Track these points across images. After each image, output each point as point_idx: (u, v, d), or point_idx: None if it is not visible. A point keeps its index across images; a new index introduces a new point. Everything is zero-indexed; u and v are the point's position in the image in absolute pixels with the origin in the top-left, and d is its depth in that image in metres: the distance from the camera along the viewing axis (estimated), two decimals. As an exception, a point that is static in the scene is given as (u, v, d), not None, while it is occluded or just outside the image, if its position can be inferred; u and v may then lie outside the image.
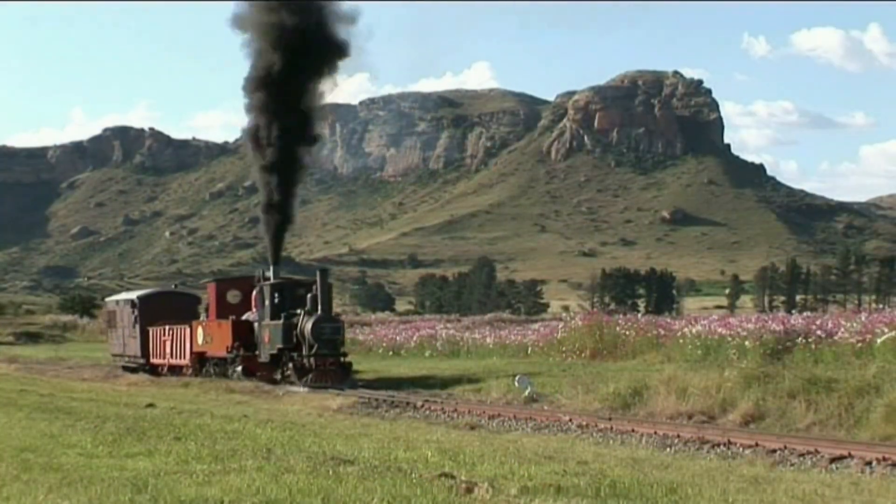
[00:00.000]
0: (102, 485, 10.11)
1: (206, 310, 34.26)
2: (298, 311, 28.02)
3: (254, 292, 31.15)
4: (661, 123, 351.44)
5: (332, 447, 13.85)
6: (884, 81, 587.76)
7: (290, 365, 27.72)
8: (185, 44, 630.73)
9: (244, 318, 31.15)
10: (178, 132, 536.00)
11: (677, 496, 10.16)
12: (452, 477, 10.74)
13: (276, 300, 29.17)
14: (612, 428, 17.45)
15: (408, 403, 22.58)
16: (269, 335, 28.93)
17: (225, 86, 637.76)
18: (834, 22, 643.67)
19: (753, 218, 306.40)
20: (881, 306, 36.67)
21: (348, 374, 27.61)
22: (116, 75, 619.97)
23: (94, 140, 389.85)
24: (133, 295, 41.48)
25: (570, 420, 18.54)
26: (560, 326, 35.63)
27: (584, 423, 18.15)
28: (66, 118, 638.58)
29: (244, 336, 30.45)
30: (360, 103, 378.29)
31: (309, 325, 27.15)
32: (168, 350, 35.71)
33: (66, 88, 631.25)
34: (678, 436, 16.12)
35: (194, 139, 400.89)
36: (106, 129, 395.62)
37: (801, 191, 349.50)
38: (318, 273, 28.32)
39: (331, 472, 11.01)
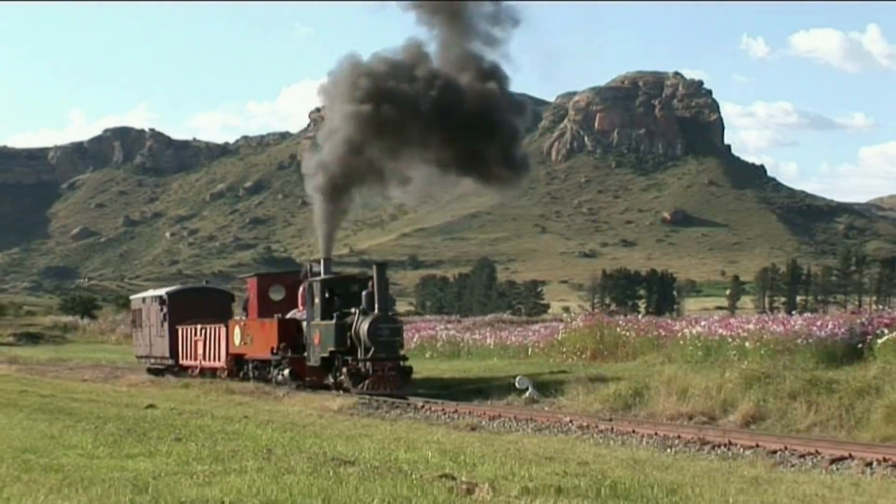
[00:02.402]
0: (103, 485, 10.11)
1: (245, 307, 31.65)
2: (353, 309, 25.47)
3: (300, 288, 28.50)
4: (662, 124, 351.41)
5: (333, 448, 13.86)
6: (883, 83, 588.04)
7: (345, 370, 25.17)
8: (184, 44, 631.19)
9: (289, 316, 28.73)
10: (176, 133, 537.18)
11: (678, 497, 10.16)
12: (453, 478, 10.75)
13: (328, 297, 26.57)
14: (612, 429, 17.46)
15: (408, 404, 22.57)
16: (319, 336, 26.32)
17: (224, 87, 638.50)
18: (832, 23, 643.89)
19: (754, 219, 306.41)
20: (882, 307, 36.59)
21: (408, 379, 25.10)
22: (114, 76, 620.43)
23: (95, 141, 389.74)
24: (162, 291, 38.90)
25: (571, 421, 18.55)
26: (561, 327, 35.58)
27: (585, 424, 18.16)
28: (65, 119, 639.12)
29: (291, 337, 27.92)
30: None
31: (365, 326, 24.65)
32: (200, 351, 33.49)
33: (64, 89, 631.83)
34: (679, 437, 16.14)
35: (195, 140, 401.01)
36: (106, 130, 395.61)
37: (802, 192, 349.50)
38: (374, 268, 25.68)
39: (331, 473, 11.02)
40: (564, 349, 31.93)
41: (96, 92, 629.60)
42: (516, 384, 23.33)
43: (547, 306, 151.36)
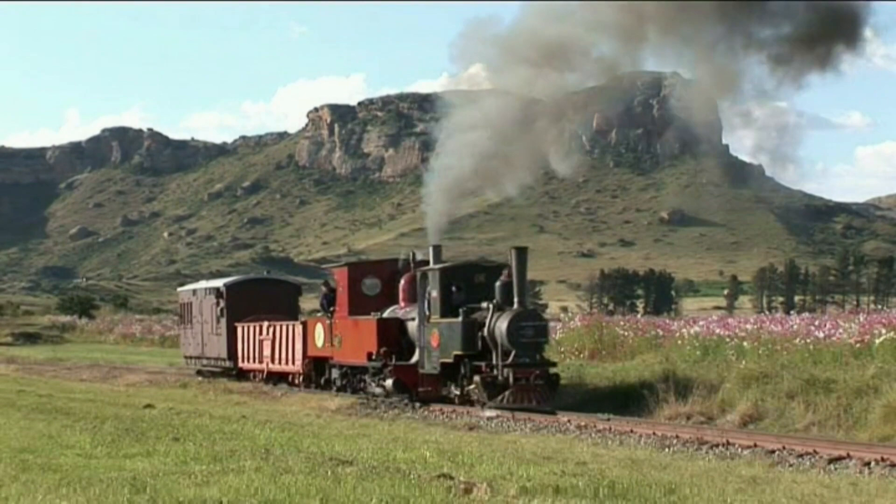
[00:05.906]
0: (101, 485, 10.11)
1: (331, 301, 26.45)
2: (483, 304, 21.05)
3: (401, 281, 24.31)
4: (660, 124, 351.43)
5: (331, 448, 13.86)
6: (880, 82, 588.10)
7: (477, 379, 20.53)
8: (180, 44, 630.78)
9: (386, 314, 24.27)
10: (172, 133, 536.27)
11: (676, 497, 10.17)
12: (451, 477, 10.75)
13: (448, 290, 21.95)
14: (610, 428, 17.46)
15: (406, 404, 22.56)
16: (438, 338, 21.59)
17: (220, 87, 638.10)
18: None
19: (752, 218, 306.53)
20: (880, 307, 36.59)
21: (556, 389, 20.83)
22: (111, 76, 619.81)
23: (93, 141, 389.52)
24: (218, 283, 34.56)
25: (569, 421, 18.54)
26: (559, 327, 35.57)
27: (583, 423, 18.16)
28: (61, 119, 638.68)
29: (392, 339, 23.49)
30: (359, 104, 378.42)
31: (504, 324, 20.19)
32: (268, 353, 29.41)
33: (62, 89, 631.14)
34: (677, 436, 16.14)
35: (193, 140, 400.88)
36: (104, 130, 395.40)
37: (800, 191, 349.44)
38: (513, 253, 20.85)
39: (329, 473, 11.02)
40: (562, 349, 31.89)
41: (93, 92, 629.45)
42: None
43: (545, 306, 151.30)
